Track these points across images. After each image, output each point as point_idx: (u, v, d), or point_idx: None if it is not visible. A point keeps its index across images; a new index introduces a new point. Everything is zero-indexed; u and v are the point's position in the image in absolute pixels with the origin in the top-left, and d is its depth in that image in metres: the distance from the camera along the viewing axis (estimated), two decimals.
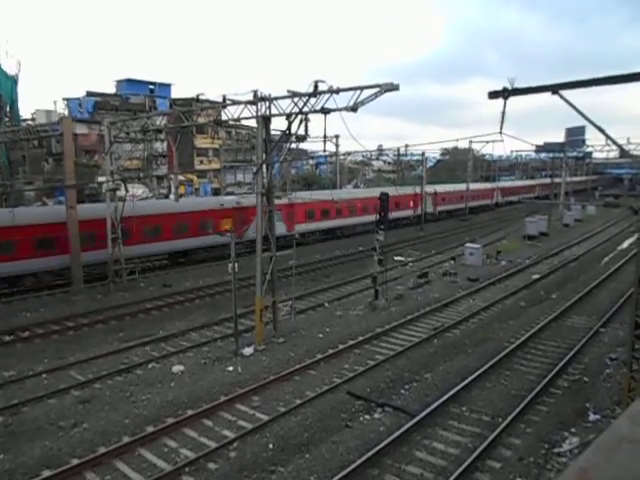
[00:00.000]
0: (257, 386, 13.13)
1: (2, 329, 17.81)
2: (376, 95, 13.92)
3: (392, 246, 31.55)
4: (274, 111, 15.83)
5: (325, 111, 14.68)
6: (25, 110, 61.90)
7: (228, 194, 44.93)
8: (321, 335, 17.23)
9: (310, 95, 14.78)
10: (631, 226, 45.89)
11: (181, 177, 47.31)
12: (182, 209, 28.12)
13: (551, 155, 58.12)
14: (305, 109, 15.10)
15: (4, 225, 21.19)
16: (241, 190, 55.06)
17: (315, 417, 11.61)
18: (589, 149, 55.93)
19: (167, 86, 59.74)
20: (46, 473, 9.54)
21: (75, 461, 9.94)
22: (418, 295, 22.46)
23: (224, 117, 17.79)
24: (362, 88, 14.01)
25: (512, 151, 74.91)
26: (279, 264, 17.67)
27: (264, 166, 16.38)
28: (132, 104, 52.94)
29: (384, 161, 79.26)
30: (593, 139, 56.20)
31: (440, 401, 11.94)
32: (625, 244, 37.10)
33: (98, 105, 51.02)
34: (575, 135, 46.99)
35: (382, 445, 10.04)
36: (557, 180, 51.95)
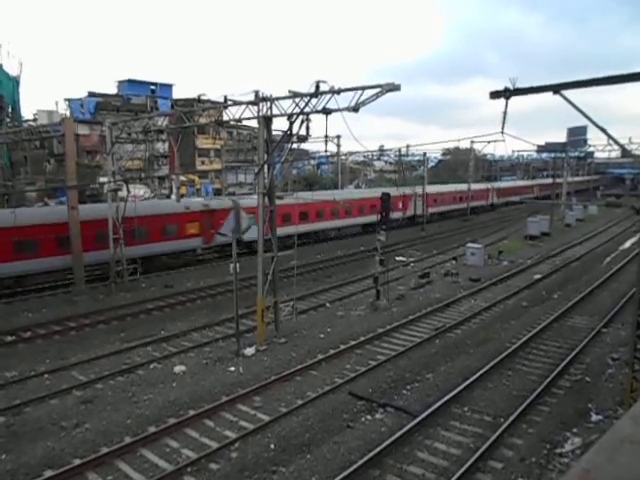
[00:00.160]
0: (258, 386, 13.13)
1: (4, 329, 17.84)
2: (377, 95, 13.91)
3: (393, 246, 31.55)
4: (275, 111, 15.83)
5: (326, 111, 14.67)
6: (27, 111, 62.01)
7: (229, 194, 45.02)
8: (322, 335, 17.23)
9: (311, 95, 14.77)
10: (633, 226, 45.84)
11: (183, 178, 47.36)
12: (139, 213, 24.64)
13: (553, 155, 58.14)
14: (306, 109, 15.09)
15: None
16: (242, 190, 55.20)
17: (316, 417, 11.60)
18: (591, 149, 55.96)
19: (168, 87, 59.89)
20: (48, 473, 9.55)
21: (77, 461, 9.95)
22: (419, 295, 22.45)
23: (225, 117, 17.79)
24: (363, 88, 14.00)
25: (514, 151, 74.93)
26: (280, 264, 17.67)
27: (265, 166, 16.40)
28: (133, 105, 53.08)
29: (385, 161, 79.31)
30: (595, 139, 56.24)
31: (442, 401, 11.92)
32: (627, 244, 37.04)
33: (100, 106, 51.15)
34: (577, 135, 46.99)
35: (384, 445, 10.03)
36: (559, 180, 51.94)
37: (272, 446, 10.46)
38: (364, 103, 14.06)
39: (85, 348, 16.29)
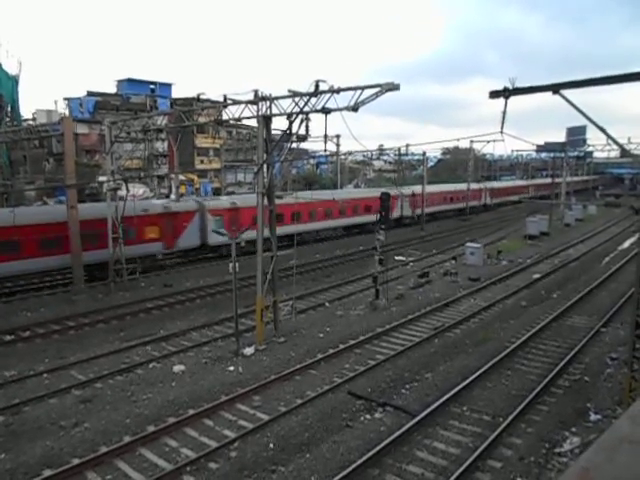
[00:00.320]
0: (258, 386, 13.13)
1: (3, 329, 17.82)
2: (377, 95, 13.91)
3: (392, 245, 31.55)
4: (275, 111, 15.83)
5: (326, 111, 14.68)
6: (26, 110, 61.80)
7: (229, 194, 44.98)
8: (322, 335, 17.23)
9: (311, 95, 14.77)
10: (632, 226, 45.89)
11: (182, 177, 47.34)
12: (84, 217, 22.77)
13: (552, 155, 58.12)
14: (306, 109, 15.09)
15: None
16: (242, 189, 55.19)
17: (316, 417, 11.61)
18: (590, 149, 55.96)
19: (168, 86, 59.86)
20: (47, 473, 9.54)
21: (76, 461, 9.94)
22: (419, 295, 22.46)
23: (225, 117, 17.78)
24: (363, 88, 14.00)
25: (513, 151, 74.97)
26: (279, 264, 17.67)
27: (265, 166, 16.39)
28: (133, 104, 53.07)
29: (385, 161, 79.28)
30: (594, 139, 56.26)
31: (441, 401, 11.93)
32: (626, 244, 37.07)
33: (99, 105, 51.14)
34: (576, 135, 47.02)
35: (383, 445, 10.04)
36: (558, 180, 51.94)
37: (271, 445, 10.46)
38: (364, 102, 14.06)
39: (84, 347, 16.28)
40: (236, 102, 16.72)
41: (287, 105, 15.52)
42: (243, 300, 18.75)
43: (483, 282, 24.33)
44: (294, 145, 17.61)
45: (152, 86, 58.44)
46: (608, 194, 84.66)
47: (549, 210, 42.59)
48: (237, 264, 16.06)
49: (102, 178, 32.71)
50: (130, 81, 56.90)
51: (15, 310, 20.26)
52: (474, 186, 56.91)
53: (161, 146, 53.24)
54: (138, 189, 42.34)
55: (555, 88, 10.37)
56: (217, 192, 49.18)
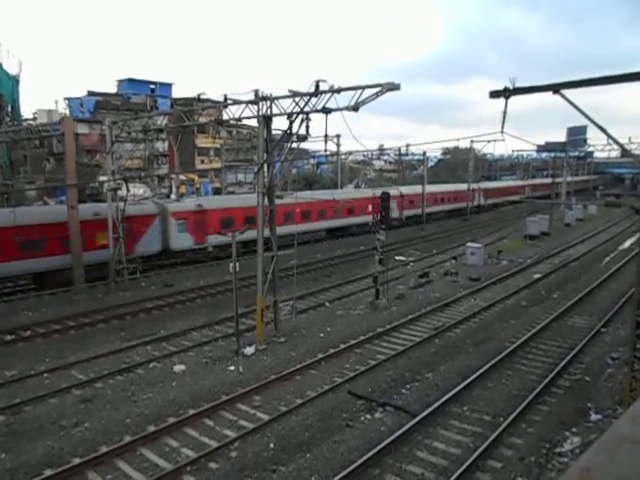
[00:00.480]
0: (258, 386, 13.13)
1: (3, 328, 17.83)
2: (377, 95, 13.91)
3: (393, 245, 31.55)
4: (275, 111, 15.83)
5: (326, 111, 14.67)
6: (26, 110, 61.94)
7: (229, 193, 44.99)
8: (322, 335, 17.23)
9: (311, 95, 14.77)
10: (632, 226, 45.87)
11: (182, 177, 47.37)
12: (22, 222, 21.22)
13: (552, 155, 58.12)
14: (306, 109, 15.09)
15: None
16: (242, 189, 55.20)
17: (316, 417, 11.61)
18: (590, 148, 56.05)
19: (168, 86, 59.88)
20: (48, 472, 9.54)
21: (76, 460, 9.95)
22: (419, 295, 22.46)
23: (225, 117, 17.79)
24: (363, 87, 13.99)
25: (513, 151, 74.90)
26: (280, 264, 17.67)
27: (265, 165, 16.39)
28: (133, 104, 53.10)
29: (385, 161, 79.28)
30: (594, 138, 56.29)
31: (441, 401, 11.93)
32: (626, 244, 37.06)
33: (99, 105, 51.18)
34: (576, 134, 47.11)
35: (383, 445, 10.03)
36: (558, 180, 51.92)
37: (272, 445, 10.46)
38: (364, 102, 14.06)
39: (85, 347, 16.29)
40: (236, 102, 16.73)
41: (287, 105, 15.53)
42: (243, 300, 18.74)
43: (483, 282, 24.32)
44: (294, 145, 17.60)
45: (152, 86, 58.46)
46: (608, 194, 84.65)
47: (549, 210, 42.60)
48: (238, 264, 16.06)
49: (103, 178, 32.75)
50: (130, 81, 56.92)
51: (16, 310, 20.27)
52: (466, 186, 55.58)
53: (161, 146, 53.30)
54: (138, 189, 42.40)
55: (555, 88, 10.36)
56: (218, 192, 49.21)
